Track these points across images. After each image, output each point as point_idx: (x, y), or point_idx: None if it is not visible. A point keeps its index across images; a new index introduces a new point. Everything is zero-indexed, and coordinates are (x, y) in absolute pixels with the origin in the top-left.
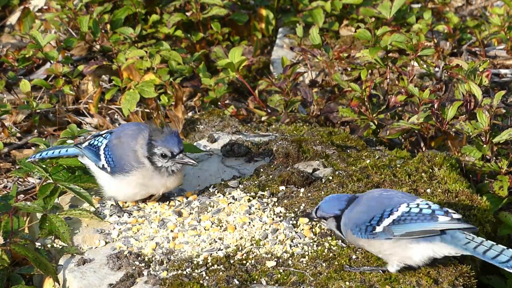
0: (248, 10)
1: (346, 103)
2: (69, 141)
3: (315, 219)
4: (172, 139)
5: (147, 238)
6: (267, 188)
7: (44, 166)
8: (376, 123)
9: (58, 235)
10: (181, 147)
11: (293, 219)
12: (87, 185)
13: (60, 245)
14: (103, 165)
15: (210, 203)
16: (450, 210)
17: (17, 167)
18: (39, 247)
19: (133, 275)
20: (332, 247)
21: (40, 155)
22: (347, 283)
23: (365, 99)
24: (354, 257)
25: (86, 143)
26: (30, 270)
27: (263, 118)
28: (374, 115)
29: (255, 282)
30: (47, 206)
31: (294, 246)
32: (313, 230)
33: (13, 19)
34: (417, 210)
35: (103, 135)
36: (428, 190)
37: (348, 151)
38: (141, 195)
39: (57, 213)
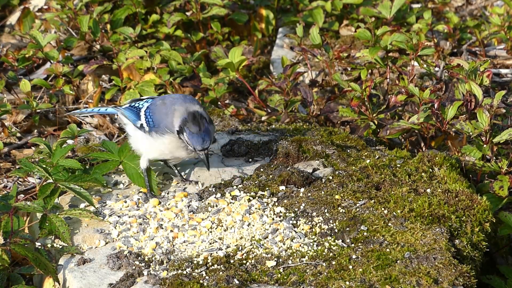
0: (248, 10)
1: (346, 103)
2: (69, 141)
3: None
4: (198, 139)
5: (147, 238)
6: (267, 188)
7: (44, 166)
8: (376, 123)
9: (58, 235)
10: (204, 145)
11: (293, 219)
12: (87, 184)
13: (60, 245)
14: (141, 124)
15: (210, 203)
16: None
17: (17, 167)
18: (39, 247)
19: (133, 275)
20: (332, 247)
21: (80, 112)
22: (347, 283)
23: (365, 99)
24: (354, 256)
25: (127, 105)
26: (30, 270)
27: (263, 118)
28: (374, 115)
29: (255, 282)
30: (47, 206)
31: (294, 245)
32: (313, 230)
33: (13, 19)
34: None
35: (144, 100)
36: (428, 190)
37: (348, 151)
38: (169, 157)
39: (57, 213)
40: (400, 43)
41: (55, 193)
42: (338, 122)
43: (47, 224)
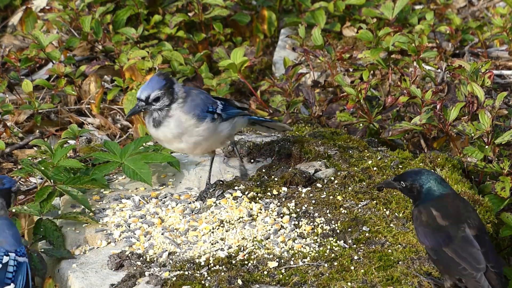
0: (250, 11)
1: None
2: (71, 142)
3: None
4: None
5: (149, 238)
6: (269, 189)
7: (43, 168)
8: (377, 125)
9: (52, 241)
10: (143, 95)
11: (295, 219)
12: (86, 186)
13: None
14: None
15: (211, 203)
16: None
17: (19, 167)
18: (31, 253)
19: (135, 275)
20: (334, 247)
21: None
22: (349, 283)
23: (362, 101)
24: (356, 257)
25: None
26: None
27: None
28: (373, 116)
29: (257, 282)
30: (43, 210)
31: (296, 246)
32: (315, 230)
33: (15, 19)
34: None
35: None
36: None
37: (350, 151)
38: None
39: (52, 218)
40: (402, 44)
41: (52, 197)
42: (340, 121)
43: (41, 229)
